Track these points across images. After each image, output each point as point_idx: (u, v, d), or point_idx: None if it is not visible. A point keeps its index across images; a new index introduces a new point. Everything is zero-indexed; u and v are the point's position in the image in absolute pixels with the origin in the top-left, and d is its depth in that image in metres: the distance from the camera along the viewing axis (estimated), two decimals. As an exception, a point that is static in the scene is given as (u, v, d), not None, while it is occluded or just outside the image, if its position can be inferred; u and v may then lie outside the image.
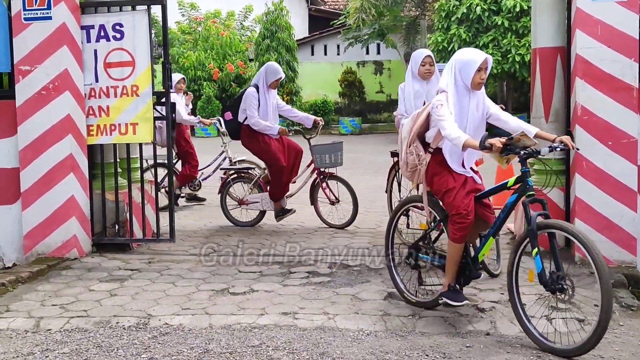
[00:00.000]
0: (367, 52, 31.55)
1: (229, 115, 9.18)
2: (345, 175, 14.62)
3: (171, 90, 9.13)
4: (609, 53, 6.61)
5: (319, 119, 9.30)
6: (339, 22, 30.41)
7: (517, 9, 23.10)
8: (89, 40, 7.60)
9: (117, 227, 7.89)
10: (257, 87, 8.96)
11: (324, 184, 9.14)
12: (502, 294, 6.04)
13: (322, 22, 33.95)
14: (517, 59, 22.92)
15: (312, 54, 32.47)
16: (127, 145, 7.81)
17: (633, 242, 6.66)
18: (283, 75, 9.15)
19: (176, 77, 11.14)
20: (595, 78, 6.64)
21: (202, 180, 11.47)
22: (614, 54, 6.60)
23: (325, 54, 32.58)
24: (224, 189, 9.54)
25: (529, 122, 6.84)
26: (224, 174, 9.76)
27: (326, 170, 9.15)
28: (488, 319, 5.51)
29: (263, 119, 8.89)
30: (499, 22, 23.64)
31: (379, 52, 31.71)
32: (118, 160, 7.91)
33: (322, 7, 36.01)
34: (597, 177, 6.67)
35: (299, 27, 32.13)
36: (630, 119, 6.60)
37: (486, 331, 5.30)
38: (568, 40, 7.14)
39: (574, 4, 6.80)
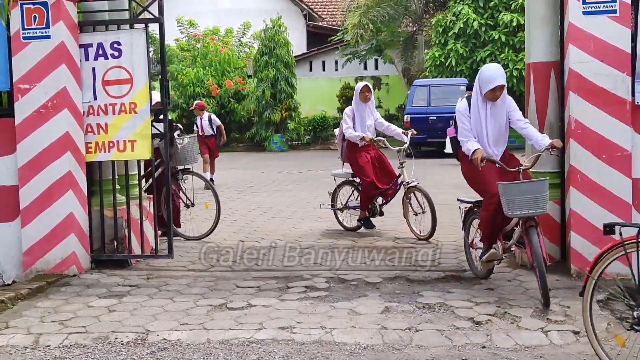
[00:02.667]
0: (365, 68, 31.72)
1: (452, 131, 7.19)
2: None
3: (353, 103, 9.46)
4: (601, 67, 6.67)
5: (555, 141, 6.43)
6: (336, 38, 30.60)
7: (514, 24, 23.29)
8: (87, 59, 7.67)
9: (115, 243, 7.92)
10: (469, 99, 6.83)
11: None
12: (499, 307, 6.08)
13: (320, 39, 34.12)
14: (515, 73, 23.08)
15: (311, 70, 32.63)
16: (126, 162, 7.86)
17: (629, 255, 6.68)
18: (501, 83, 6.50)
19: (360, 85, 9.67)
20: (588, 92, 6.70)
21: (380, 205, 9.68)
22: (607, 68, 6.67)
23: (324, 69, 32.74)
24: (466, 222, 7.32)
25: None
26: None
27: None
28: (484, 332, 5.54)
29: (479, 139, 6.68)
30: (496, 37, 23.82)
31: (377, 68, 31.86)
32: (117, 177, 7.95)
33: (320, 24, 36.18)
34: (591, 190, 6.72)
35: (297, 43, 32.29)
36: (623, 132, 6.66)
37: (482, 344, 5.32)
38: (561, 55, 7.20)
39: (567, 19, 6.87)
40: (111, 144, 7.68)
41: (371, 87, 9.74)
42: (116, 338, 5.61)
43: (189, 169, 9.60)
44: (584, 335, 5.40)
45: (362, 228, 9.80)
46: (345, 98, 30.68)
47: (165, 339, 5.56)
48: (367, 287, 6.89)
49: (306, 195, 14.12)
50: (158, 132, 7.85)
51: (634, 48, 6.71)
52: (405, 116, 22.74)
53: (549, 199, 7.29)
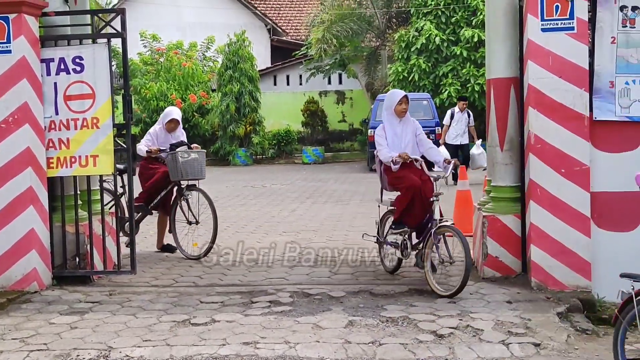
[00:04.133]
0: (329, 82, 31.78)
1: None
2: (307, 204, 14.78)
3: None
4: (560, 83, 6.81)
5: None
6: (301, 53, 30.66)
7: (475, 40, 23.55)
8: (49, 73, 7.62)
9: (77, 259, 7.85)
10: None
11: None
12: (461, 320, 6.14)
13: (284, 53, 34.15)
14: (477, 88, 23.30)
15: (275, 84, 32.62)
16: (88, 177, 7.81)
17: (587, 267, 6.82)
18: None
19: (396, 95, 7.76)
20: (547, 107, 6.83)
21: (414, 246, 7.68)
22: (565, 84, 6.80)
23: (288, 84, 32.75)
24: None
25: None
26: None
27: None
28: (446, 345, 5.59)
29: None
30: (458, 52, 24.07)
31: (340, 82, 31.96)
32: (79, 192, 7.89)
33: (284, 38, 36.24)
34: (551, 204, 6.83)
35: (261, 57, 32.28)
36: (581, 147, 6.79)
37: (444, 357, 5.37)
38: (521, 71, 7.32)
39: (526, 35, 7.00)
40: (73, 159, 7.63)
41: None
42: (78, 355, 5.56)
43: (195, 185, 9.35)
44: (544, 347, 5.49)
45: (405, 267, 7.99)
46: (310, 112, 30.75)
47: (127, 356, 5.52)
48: (331, 302, 6.91)
49: (270, 210, 14.10)
50: (121, 147, 7.82)
51: (591, 64, 6.85)
52: (369, 130, 22.81)
53: (510, 212, 7.42)
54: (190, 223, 9.43)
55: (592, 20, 6.85)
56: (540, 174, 6.85)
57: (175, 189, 9.48)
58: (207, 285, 7.73)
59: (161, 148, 9.42)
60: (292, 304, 6.83)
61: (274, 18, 36.94)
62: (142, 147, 9.45)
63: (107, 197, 8.72)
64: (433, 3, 24.80)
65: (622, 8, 6.79)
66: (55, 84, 7.62)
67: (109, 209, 8.97)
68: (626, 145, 6.88)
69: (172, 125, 9.58)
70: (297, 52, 31.40)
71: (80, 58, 7.58)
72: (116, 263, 7.99)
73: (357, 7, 29.47)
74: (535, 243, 6.91)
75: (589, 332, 5.93)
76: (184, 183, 9.40)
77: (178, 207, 9.50)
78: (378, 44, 29.90)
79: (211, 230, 9.20)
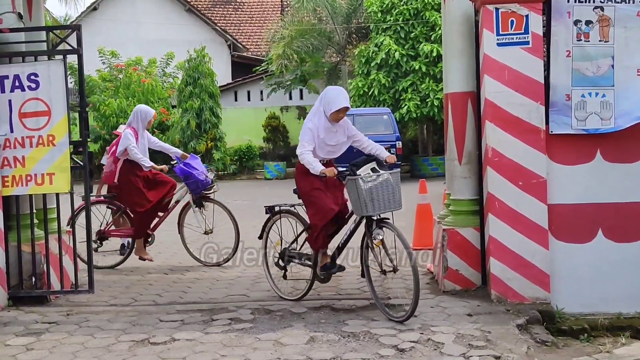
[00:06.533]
0: (290, 98, 31.89)
1: None
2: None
3: None
4: (516, 97, 6.88)
5: None
6: (261, 69, 30.72)
7: (434, 54, 23.81)
8: (3, 91, 7.50)
9: (34, 279, 7.71)
10: None
11: None
12: (422, 333, 6.14)
13: (245, 68, 34.20)
14: (436, 102, 23.53)
15: (236, 100, 32.61)
16: (44, 195, 7.69)
17: (546, 279, 6.87)
18: None
19: None
20: (504, 121, 6.89)
21: None
22: (521, 98, 6.87)
23: (249, 99, 32.76)
24: None
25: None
26: None
27: None
28: (407, 359, 5.58)
29: None
30: (417, 67, 24.32)
31: (301, 97, 32.07)
32: (35, 211, 7.76)
33: (244, 54, 36.28)
34: (509, 217, 6.88)
35: (222, 73, 32.27)
36: (538, 160, 6.86)
37: (406, 371, 5.37)
38: (478, 85, 7.39)
39: (482, 50, 7.06)
40: (29, 178, 7.51)
41: None
42: (34, 377, 5.46)
43: (387, 219, 6.66)
44: (504, 360, 5.52)
45: None
46: (271, 128, 30.75)
47: (85, 377, 5.43)
48: (293, 318, 6.87)
49: (232, 226, 13.96)
50: (79, 164, 7.72)
51: (546, 78, 6.94)
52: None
53: (469, 225, 7.46)
54: (384, 272, 6.75)
55: (547, 35, 6.94)
56: (498, 187, 6.91)
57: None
58: (167, 304, 7.64)
59: (339, 169, 6.82)
60: (253, 321, 6.78)
61: (234, 34, 36.99)
62: (313, 163, 6.90)
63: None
64: (392, 19, 25.06)
65: (576, 22, 6.89)
66: (10, 101, 7.51)
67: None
68: (582, 158, 6.97)
69: (341, 115, 6.98)
70: (257, 67, 31.47)
71: (36, 75, 7.48)
72: (74, 282, 7.87)
73: (317, 23, 29.69)
74: (494, 255, 6.95)
75: (548, 344, 5.97)
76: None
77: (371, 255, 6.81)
78: (338, 59, 30.11)
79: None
